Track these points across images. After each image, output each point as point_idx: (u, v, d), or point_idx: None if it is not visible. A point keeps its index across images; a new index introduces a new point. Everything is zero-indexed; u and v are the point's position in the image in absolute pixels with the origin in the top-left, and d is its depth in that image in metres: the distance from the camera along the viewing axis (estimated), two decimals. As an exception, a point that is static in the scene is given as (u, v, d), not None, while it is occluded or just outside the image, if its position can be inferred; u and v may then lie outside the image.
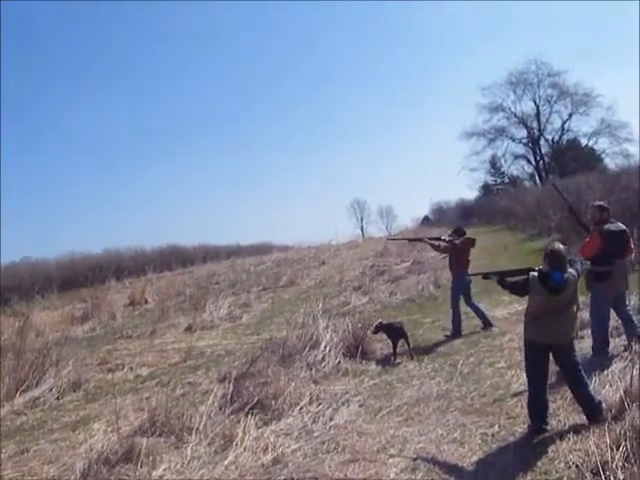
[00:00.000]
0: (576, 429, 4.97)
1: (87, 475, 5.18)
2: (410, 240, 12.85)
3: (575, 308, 5.15)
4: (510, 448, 4.92)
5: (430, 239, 10.43)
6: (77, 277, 29.45)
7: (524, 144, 52.10)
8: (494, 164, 53.84)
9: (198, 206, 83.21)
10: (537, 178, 50.35)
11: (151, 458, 5.42)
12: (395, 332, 8.52)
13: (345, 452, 5.26)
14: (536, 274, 5.05)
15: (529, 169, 53.18)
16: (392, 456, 5.08)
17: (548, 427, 5.08)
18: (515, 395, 6.06)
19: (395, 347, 8.44)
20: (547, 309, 5.00)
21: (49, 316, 17.73)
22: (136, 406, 7.33)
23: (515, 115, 51.24)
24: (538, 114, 50.54)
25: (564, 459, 4.50)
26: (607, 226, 7.05)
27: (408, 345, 8.53)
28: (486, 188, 53.87)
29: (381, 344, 8.95)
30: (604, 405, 5.06)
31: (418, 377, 7.40)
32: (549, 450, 4.72)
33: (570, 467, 4.37)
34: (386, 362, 8.25)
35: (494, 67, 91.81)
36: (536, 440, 4.96)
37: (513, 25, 75.24)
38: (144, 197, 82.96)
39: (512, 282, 5.32)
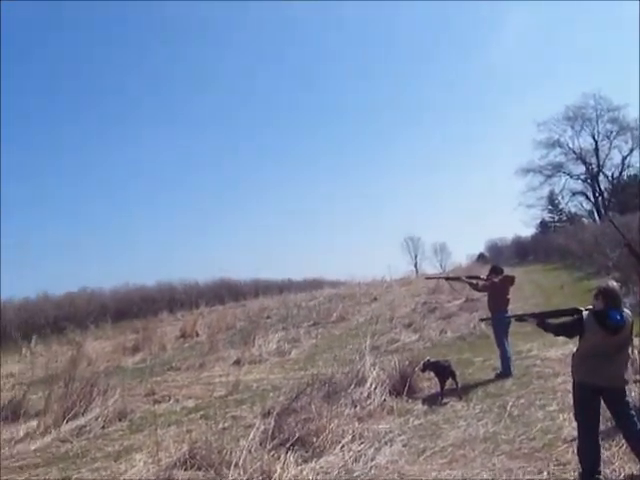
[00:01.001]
0: (632, 480, 4.67)
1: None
2: (448, 279, 12.58)
3: (630, 349, 4.87)
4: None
5: (468, 277, 10.28)
6: (131, 308, 30.06)
7: (582, 180, 51.10)
8: (552, 201, 52.92)
9: (249, 239, 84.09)
10: (596, 215, 49.15)
11: (188, 492, 5.36)
12: (443, 371, 8.32)
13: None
14: (590, 313, 4.78)
15: (588, 206, 52.06)
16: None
17: (601, 476, 4.76)
18: (566, 440, 5.74)
19: (443, 386, 8.22)
20: (602, 350, 4.68)
21: (101, 346, 18.19)
22: (179, 438, 7.29)
23: (573, 151, 50.47)
24: (597, 150, 49.56)
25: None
26: None
27: (456, 384, 8.29)
28: (543, 225, 52.95)
29: (429, 383, 8.75)
30: (662, 456, 4.73)
31: (465, 418, 7.16)
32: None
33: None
34: (433, 401, 8.03)
35: (550, 103, 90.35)
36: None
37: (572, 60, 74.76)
38: (195, 229, 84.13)
39: (558, 324, 5.02)
